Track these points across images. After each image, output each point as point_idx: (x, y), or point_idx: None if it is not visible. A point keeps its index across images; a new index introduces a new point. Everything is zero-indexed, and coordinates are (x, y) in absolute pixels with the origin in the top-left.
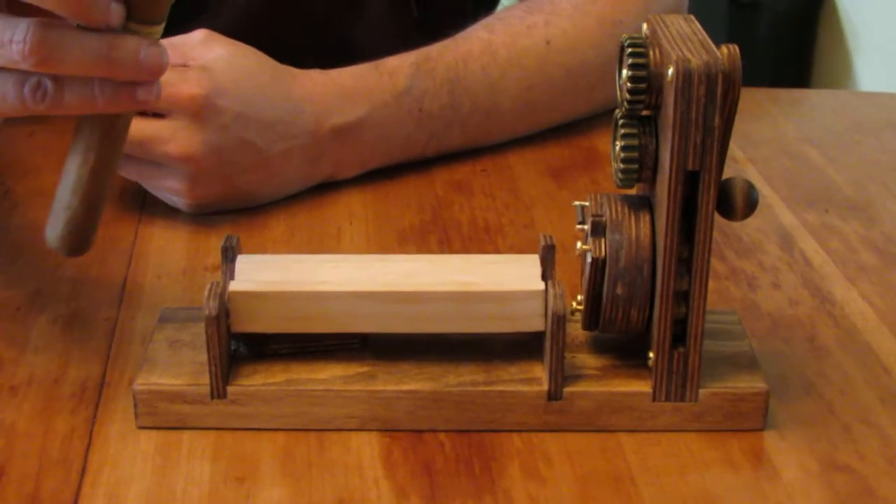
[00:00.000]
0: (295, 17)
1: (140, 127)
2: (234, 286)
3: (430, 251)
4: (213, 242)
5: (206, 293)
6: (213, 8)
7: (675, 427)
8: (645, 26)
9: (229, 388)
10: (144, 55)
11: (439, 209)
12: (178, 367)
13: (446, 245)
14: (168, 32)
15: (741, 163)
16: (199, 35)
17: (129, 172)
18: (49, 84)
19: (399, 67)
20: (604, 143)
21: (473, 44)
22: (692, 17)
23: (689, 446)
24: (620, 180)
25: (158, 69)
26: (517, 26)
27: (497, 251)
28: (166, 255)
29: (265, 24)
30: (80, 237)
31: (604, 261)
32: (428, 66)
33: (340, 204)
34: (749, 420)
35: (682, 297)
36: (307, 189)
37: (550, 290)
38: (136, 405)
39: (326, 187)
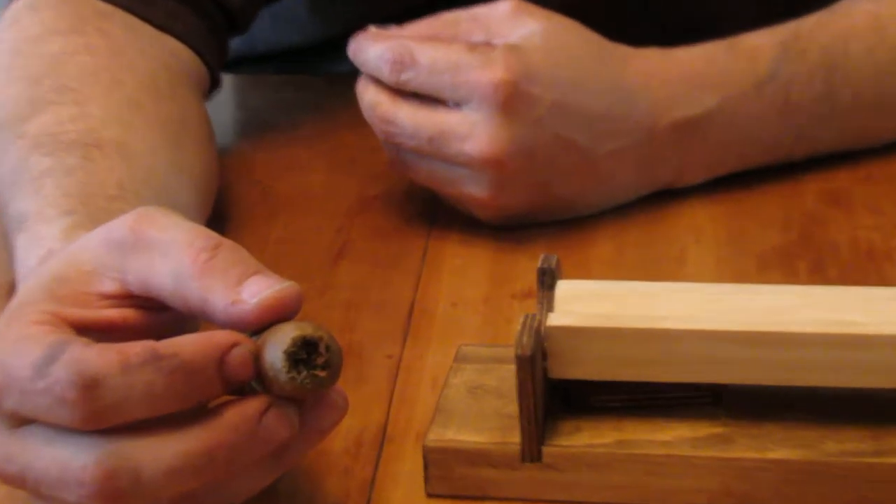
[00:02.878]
0: None
1: (434, 120)
2: (553, 320)
3: (797, 280)
4: (523, 263)
5: (518, 328)
6: None
7: None
8: None
9: (545, 449)
10: (265, 423)
11: (810, 227)
12: (481, 421)
13: (819, 274)
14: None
15: None
16: (506, 6)
17: (419, 175)
18: None
19: (761, 48)
20: None
21: (856, 18)
22: None
23: None
24: None
25: (273, 441)
26: None
27: (884, 282)
28: (463, 277)
29: None
30: None
31: None
32: (798, 46)
33: (683, 218)
34: None
35: None
36: (640, 199)
37: None
38: (426, 467)
39: (665, 196)
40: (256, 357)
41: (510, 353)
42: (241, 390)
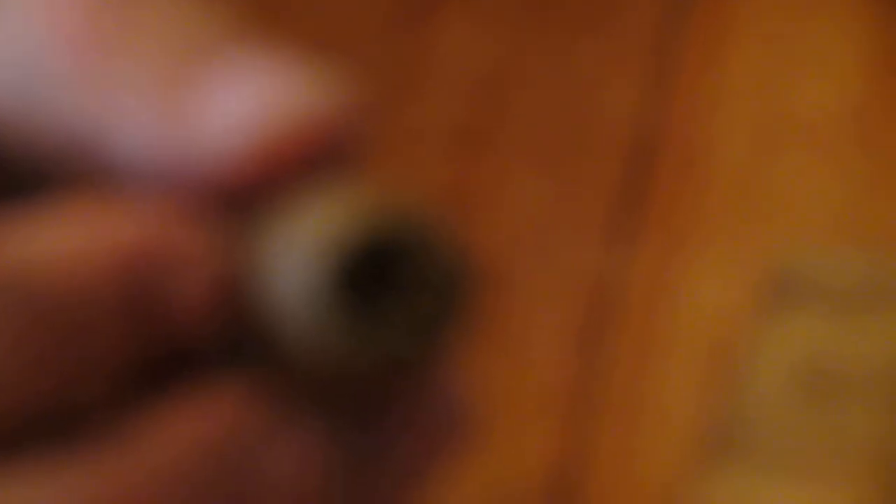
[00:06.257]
0: None
1: None
2: None
3: None
4: None
5: None
6: None
7: None
8: None
9: None
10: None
11: None
12: (828, 458)
13: None
14: None
15: None
16: None
17: None
18: None
19: None
20: None
21: None
22: None
23: None
24: None
25: (288, 497)
26: None
27: None
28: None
29: None
30: None
31: None
32: None
33: None
34: None
35: None
36: None
37: None
38: None
39: None
40: (241, 278)
41: None
42: (188, 357)
